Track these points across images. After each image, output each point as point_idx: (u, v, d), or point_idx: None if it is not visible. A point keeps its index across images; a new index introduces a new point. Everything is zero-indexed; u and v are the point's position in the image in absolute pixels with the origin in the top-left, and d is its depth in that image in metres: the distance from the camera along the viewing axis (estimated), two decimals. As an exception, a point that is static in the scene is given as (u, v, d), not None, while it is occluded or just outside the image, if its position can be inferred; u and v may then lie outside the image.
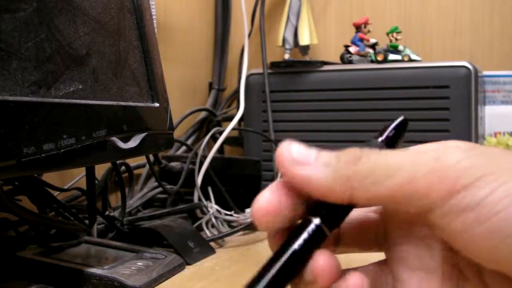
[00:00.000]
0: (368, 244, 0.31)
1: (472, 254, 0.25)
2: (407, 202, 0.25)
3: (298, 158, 0.26)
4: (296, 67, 1.00)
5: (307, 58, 1.04)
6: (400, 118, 0.29)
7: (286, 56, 1.03)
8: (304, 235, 0.26)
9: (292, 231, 0.27)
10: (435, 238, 0.27)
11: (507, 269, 0.24)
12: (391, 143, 0.28)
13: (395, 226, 0.29)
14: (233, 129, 0.96)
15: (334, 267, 0.26)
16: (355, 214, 0.31)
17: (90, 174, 0.63)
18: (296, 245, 0.26)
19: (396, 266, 0.29)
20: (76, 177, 0.80)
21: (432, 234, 0.27)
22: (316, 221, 0.27)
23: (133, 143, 0.54)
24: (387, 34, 0.99)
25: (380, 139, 0.28)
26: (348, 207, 0.27)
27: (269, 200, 0.27)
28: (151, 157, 0.83)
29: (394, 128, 0.29)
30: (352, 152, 0.26)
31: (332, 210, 0.27)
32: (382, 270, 0.30)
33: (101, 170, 0.73)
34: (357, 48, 0.99)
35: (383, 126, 0.29)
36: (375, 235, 0.31)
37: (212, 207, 0.82)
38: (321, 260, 0.26)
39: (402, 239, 0.29)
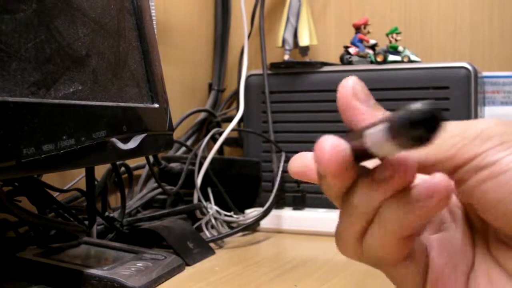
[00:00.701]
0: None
1: (482, 210, 0.28)
2: (435, 164, 0.28)
3: (360, 94, 0.30)
4: (295, 68, 1.00)
5: (306, 59, 1.04)
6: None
7: (286, 57, 1.03)
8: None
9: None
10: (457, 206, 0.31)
11: (507, 225, 0.27)
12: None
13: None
14: (233, 130, 0.96)
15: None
16: None
17: (90, 175, 0.63)
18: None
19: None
20: (76, 178, 0.80)
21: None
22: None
23: (132, 144, 0.54)
24: (387, 35, 0.99)
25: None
26: None
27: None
28: (151, 158, 0.83)
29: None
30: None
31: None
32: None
33: (100, 171, 0.73)
34: (357, 49, 0.99)
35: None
36: None
37: (212, 208, 0.82)
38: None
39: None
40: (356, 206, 0.28)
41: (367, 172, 0.28)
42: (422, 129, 0.23)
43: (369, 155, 0.26)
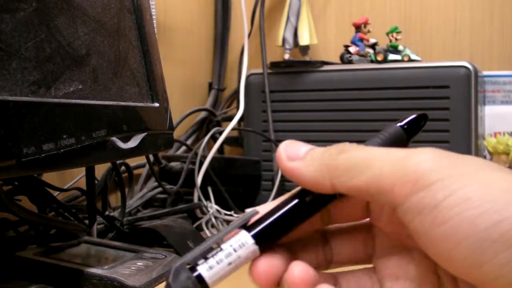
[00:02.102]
0: (358, 257, 0.32)
1: (433, 256, 0.26)
2: (376, 196, 0.27)
3: (291, 153, 0.29)
4: (296, 67, 1.00)
5: (307, 58, 1.04)
6: (422, 113, 0.32)
7: (286, 56, 1.03)
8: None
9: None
10: (417, 248, 0.28)
11: (463, 274, 0.25)
12: (408, 131, 0.31)
13: (381, 237, 0.31)
14: (233, 129, 0.96)
15: (310, 275, 0.28)
16: (345, 226, 0.32)
17: (90, 174, 0.63)
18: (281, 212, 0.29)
19: (382, 274, 0.30)
20: (76, 177, 0.80)
21: (414, 244, 0.28)
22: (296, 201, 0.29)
23: (133, 143, 0.54)
24: (387, 34, 0.99)
25: (398, 124, 0.31)
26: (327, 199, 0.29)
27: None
28: (151, 157, 0.83)
29: (413, 119, 0.31)
30: (339, 146, 0.29)
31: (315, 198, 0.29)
32: (371, 277, 0.31)
33: (101, 170, 0.73)
34: (357, 48, 0.99)
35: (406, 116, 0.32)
36: (364, 246, 0.32)
37: (212, 207, 0.82)
38: (296, 270, 0.28)
39: (387, 250, 0.30)
40: None
41: None
42: None
43: None
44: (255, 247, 0.28)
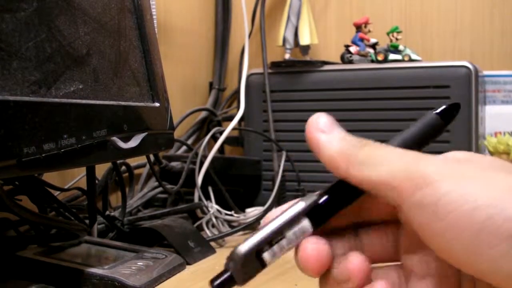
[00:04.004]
0: (386, 251, 0.33)
1: (436, 250, 0.27)
2: (384, 191, 0.28)
3: (321, 125, 0.31)
4: (296, 67, 1.00)
5: (307, 58, 1.04)
6: (455, 102, 0.33)
7: (287, 56, 1.03)
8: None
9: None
10: None
11: (464, 267, 0.26)
12: (444, 119, 0.32)
13: (408, 234, 0.32)
14: (234, 129, 0.96)
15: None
16: (374, 222, 0.33)
17: (91, 174, 0.63)
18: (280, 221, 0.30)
19: (408, 271, 0.31)
20: (77, 176, 0.80)
21: None
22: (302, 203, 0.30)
23: (133, 142, 0.54)
24: (388, 34, 0.99)
25: (435, 112, 0.32)
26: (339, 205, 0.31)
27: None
28: (152, 157, 0.83)
29: (448, 107, 0.32)
30: (364, 140, 0.31)
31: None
32: (398, 272, 0.32)
33: (101, 169, 0.73)
34: (358, 48, 0.99)
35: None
36: (392, 242, 0.33)
37: (213, 207, 0.82)
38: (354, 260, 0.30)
39: (413, 247, 0.31)
40: None
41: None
42: None
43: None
44: (311, 233, 0.30)
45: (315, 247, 0.29)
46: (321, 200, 0.30)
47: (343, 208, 0.31)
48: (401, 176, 0.28)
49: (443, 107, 0.32)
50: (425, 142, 0.32)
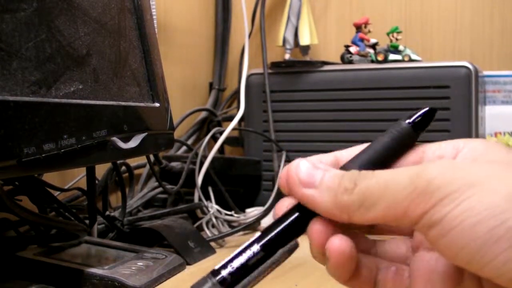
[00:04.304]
0: (399, 231, 0.34)
1: (446, 258, 0.28)
2: (393, 222, 0.28)
3: (304, 179, 0.30)
4: (296, 67, 1.00)
5: (307, 58, 1.04)
6: (429, 107, 0.31)
7: (287, 56, 1.03)
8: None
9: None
10: None
11: (470, 270, 0.27)
12: (416, 127, 0.31)
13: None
14: (234, 129, 0.96)
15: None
16: None
17: (91, 174, 0.63)
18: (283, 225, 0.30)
19: (418, 244, 0.32)
20: (77, 177, 0.80)
21: None
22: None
23: (133, 143, 0.54)
24: (388, 34, 0.99)
25: (407, 121, 0.31)
26: None
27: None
28: (152, 157, 0.83)
29: (421, 115, 0.31)
30: (353, 176, 0.29)
31: None
32: (405, 242, 0.33)
33: (101, 170, 0.73)
34: (358, 48, 0.99)
35: (413, 111, 0.32)
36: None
37: (213, 207, 0.82)
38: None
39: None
40: None
41: None
42: None
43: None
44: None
45: (319, 226, 0.30)
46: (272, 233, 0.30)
47: (296, 238, 0.31)
48: (406, 203, 0.27)
49: (416, 115, 0.31)
50: (399, 153, 0.31)
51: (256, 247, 0.29)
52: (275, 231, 0.30)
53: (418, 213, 0.27)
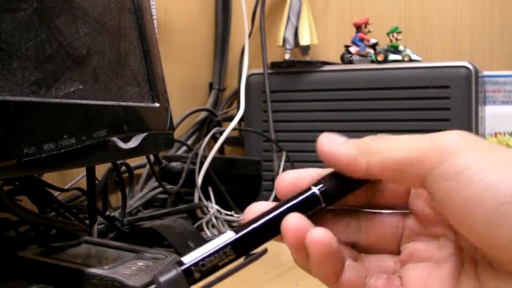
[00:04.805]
0: (384, 241, 0.34)
1: (455, 222, 0.28)
2: (407, 169, 0.29)
3: (332, 139, 0.32)
4: (296, 67, 1.00)
5: (307, 58, 1.04)
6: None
7: (287, 56, 1.03)
8: (300, 198, 0.31)
9: (293, 196, 0.31)
10: (445, 236, 0.31)
11: (481, 240, 0.27)
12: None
13: (413, 224, 0.33)
14: (234, 129, 0.96)
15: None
16: (376, 216, 0.34)
17: (91, 174, 0.63)
18: (288, 205, 0.30)
19: (405, 257, 0.32)
20: (77, 177, 0.80)
21: (442, 232, 0.31)
22: (315, 189, 0.31)
23: (133, 143, 0.54)
24: (388, 34, 0.99)
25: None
26: (352, 186, 0.31)
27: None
28: (152, 157, 0.83)
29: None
30: (371, 136, 0.31)
31: (336, 185, 0.31)
32: (393, 257, 0.33)
33: (101, 170, 0.73)
34: (358, 48, 0.99)
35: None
36: (394, 229, 0.33)
37: (213, 207, 0.82)
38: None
39: (416, 236, 0.32)
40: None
41: None
42: None
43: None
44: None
45: (293, 222, 0.30)
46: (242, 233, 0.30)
47: (268, 241, 0.31)
48: (425, 149, 0.28)
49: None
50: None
51: (228, 249, 0.30)
52: (249, 234, 0.30)
53: (434, 162, 0.27)
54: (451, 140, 0.28)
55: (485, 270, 0.29)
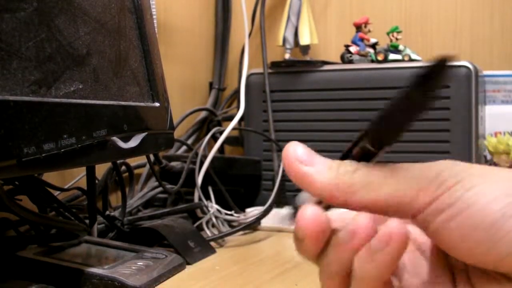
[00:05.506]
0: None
1: (452, 249, 0.28)
2: (395, 208, 0.28)
3: (302, 157, 0.29)
4: (296, 67, 1.00)
5: (307, 58, 1.04)
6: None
7: (287, 56, 1.03)
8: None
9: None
10: (434, 250, 0.31)
11: (479, 260, 0.27)
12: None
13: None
14: (234, 128, 0.96)
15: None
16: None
17: (91, 174, 0.63)
18: None
19: (401, 271, 0.32)
20: (77, 176, 0.80)
21: (433, 249, 0.31)
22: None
23: (133, 142, 0.54)
24: (388, 33, 0.99)
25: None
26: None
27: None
28: (152, 157, 0.83)
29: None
30: (353, 165, 0.29)
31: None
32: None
33: (101, 169, 0.73)
34: (358, 48, 0.99)
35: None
36: None
37: (213, 206, 0.82)
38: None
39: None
40: (329, 265, 0.29)
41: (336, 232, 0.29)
42: None
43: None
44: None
45: (314, 211, 0.28)
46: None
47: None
48: (416, 188, 0.27)
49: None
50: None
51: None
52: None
53: (427, 200, 0.27)
54: (444, 174, 0.27)
55: (478, 279, 0.29)
